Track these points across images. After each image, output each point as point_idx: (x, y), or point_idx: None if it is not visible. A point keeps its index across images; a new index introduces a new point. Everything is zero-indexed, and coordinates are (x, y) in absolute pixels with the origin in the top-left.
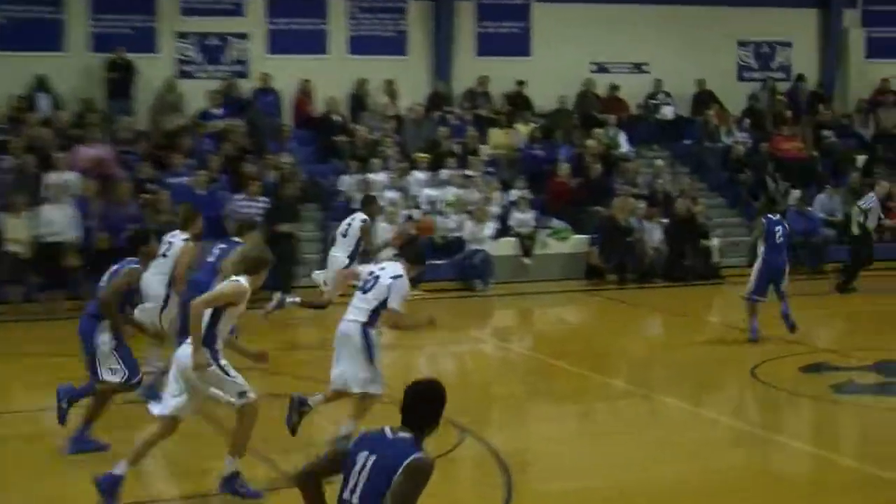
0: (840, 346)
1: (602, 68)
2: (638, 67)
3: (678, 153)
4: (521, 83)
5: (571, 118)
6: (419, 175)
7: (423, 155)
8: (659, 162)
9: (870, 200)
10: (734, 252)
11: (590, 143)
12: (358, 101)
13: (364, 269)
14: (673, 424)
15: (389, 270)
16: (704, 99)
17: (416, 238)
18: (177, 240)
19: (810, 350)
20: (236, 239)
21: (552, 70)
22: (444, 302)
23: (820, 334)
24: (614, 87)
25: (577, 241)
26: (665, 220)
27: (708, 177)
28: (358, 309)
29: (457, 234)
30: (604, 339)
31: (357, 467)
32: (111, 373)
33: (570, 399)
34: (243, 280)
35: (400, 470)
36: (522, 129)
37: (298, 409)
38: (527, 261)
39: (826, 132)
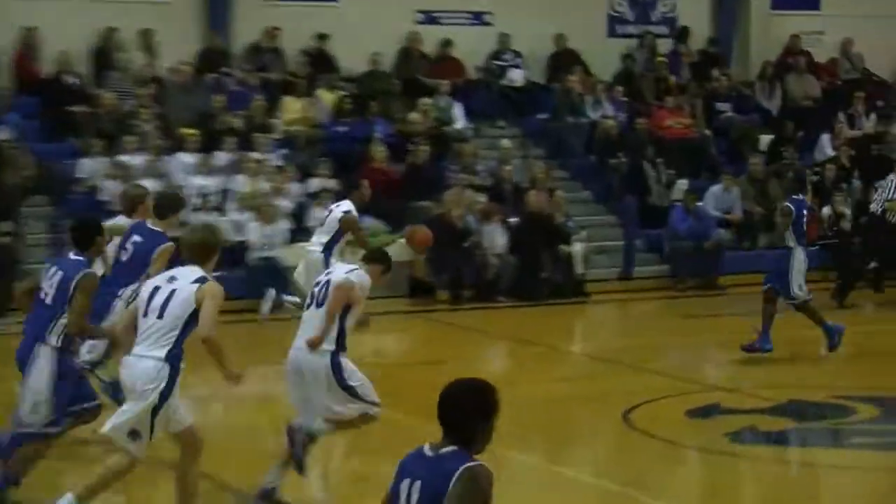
0: (741, 381)
1: (431, 19)
2: (478, 18)
3: (530, 131)
4: (323, 37)
5: (390, 84)
6: (186, 158)
7: (190, 131)
8: (505, 142)
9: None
10: (603, 261)
11: (414, 117)
12: (102, 58)
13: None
14: (522, 487)
15: (339, 267)
16: (564, 60)
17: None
18: None
19: (702, 388)
20: None
21: (365, 20)
22: (222, 328)
23: (716, 366)
24: (447, 44)
25: (397, 247)
26: (513, 220)
27: (569, 162)
28: (316, 326)
29: (240, 238)
30: (430, 374)
31: (402, 501)
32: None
33: (382, 454)
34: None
35: (452, 482)
36: (326, 99)
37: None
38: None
39: (721, 105)
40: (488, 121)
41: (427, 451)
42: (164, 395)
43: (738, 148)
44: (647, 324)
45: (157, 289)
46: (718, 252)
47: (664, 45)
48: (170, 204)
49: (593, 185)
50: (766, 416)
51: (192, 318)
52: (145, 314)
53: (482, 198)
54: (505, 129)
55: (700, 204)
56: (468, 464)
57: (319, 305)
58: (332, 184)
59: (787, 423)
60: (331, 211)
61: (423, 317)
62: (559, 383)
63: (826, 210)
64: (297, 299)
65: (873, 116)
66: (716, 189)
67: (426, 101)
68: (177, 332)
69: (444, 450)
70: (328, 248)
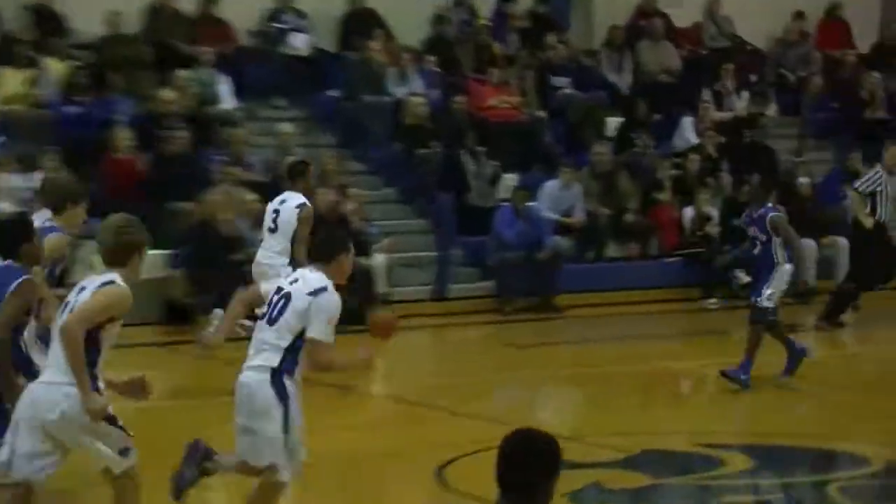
0: (584, 426)
1: None
2: None
3: (318, 112)
4: None
5: (137, 51)
6: None
7: None
8: (286, 127)
9: (874, 178)
10: (412, 277)
11: (168, 94)
12: None
13: (266, 287)
14: None
15: (305, 282)
16: (361, 23)
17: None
18: None
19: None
20: None
21: None
22: None
23: (553, 409)
24: (210, 1)
25: (149, 261)
26: None
27: (368, 152)
28: (264, 349)
29: None
30: (187, 423)
31: None
32: None
33: None
34: (119, 279)
35: None
36: (54, 70)
37: (200, 462)
38: (55, 291)
39: (558, 79)
40: (264, 99)
41: None
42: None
43: (579, 133)
44: (466, 355)
45: (66, 304)
46: (555, 265)
47: (487, 5)
48: None
49: (398, 181)
50: (614, 471)
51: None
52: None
53: (254, 196)
54: (285, 109)
55: (532, 204)
56: None
57: (273, 322)
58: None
59: (640, 478)
60: (277, 212)
61: (179, 349)
62: (355, 433)
63: (688, 211)
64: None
65: (745, 94)
66: (552, 185)
67: (183, 73)
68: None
69: None
70: (293, 258)
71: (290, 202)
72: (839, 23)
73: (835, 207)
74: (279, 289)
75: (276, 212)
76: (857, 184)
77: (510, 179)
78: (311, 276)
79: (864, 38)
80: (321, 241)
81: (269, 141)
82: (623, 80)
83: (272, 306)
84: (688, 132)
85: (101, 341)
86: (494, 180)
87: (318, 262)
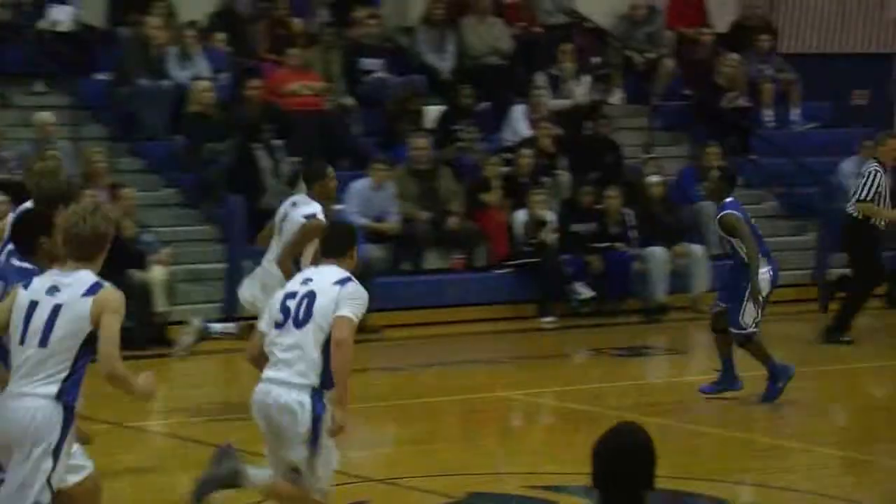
0: (400, 468)
1: None
2: None
3: (83, 99)
4: None
5: None
6: None
7: None
8: (44, 116)
9: (873, 181)
10: (197, 294)
11: None
12: None
13: (267, 318)
14: None
15: (325, 276)
16: None
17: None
18: None
19: (346, 478)
20: None
21: None
22: None
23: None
24: None
25: None
26: None
27: (144, 146)
28: (295, 362)
29: None
30: None
31: None
32: None
33: None
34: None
35: None
36: None
37: (227, 467)
38: None
39: (368, 62)
40: (18, 83)
41: None
42: (59, 447)
43: (393, 125)
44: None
45: (34, 305)
46: (365, 278)
47: None
48: None
49: (180, 181)
50: None
51: (89, 343)
52: (21, 341)
53: (5, 199)
54: (45, 95)
55: (339, 207)
56: None
57: (299, 326)
58: None
59: None
60: (286, 215)
61: None
62: (127, 476)
63: (521, 214)
64: (231, 327)
65: (587, 80)
66: (361, 185)
67: None
68: (69, 363)
69: None
70: (296, 262)
71: (301, 209)
72: None
73: (689, 210)
74: (291, 294)
75: (285, 215)
76: (860, 194)
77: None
78: (329, 270)
79: (722, 16)
80: (332, 236)
81: (24, 133)
82: (444, 63)
83: (293, 311)
84: (519, 123)
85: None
86: (293, 180)
87: (331, 258)
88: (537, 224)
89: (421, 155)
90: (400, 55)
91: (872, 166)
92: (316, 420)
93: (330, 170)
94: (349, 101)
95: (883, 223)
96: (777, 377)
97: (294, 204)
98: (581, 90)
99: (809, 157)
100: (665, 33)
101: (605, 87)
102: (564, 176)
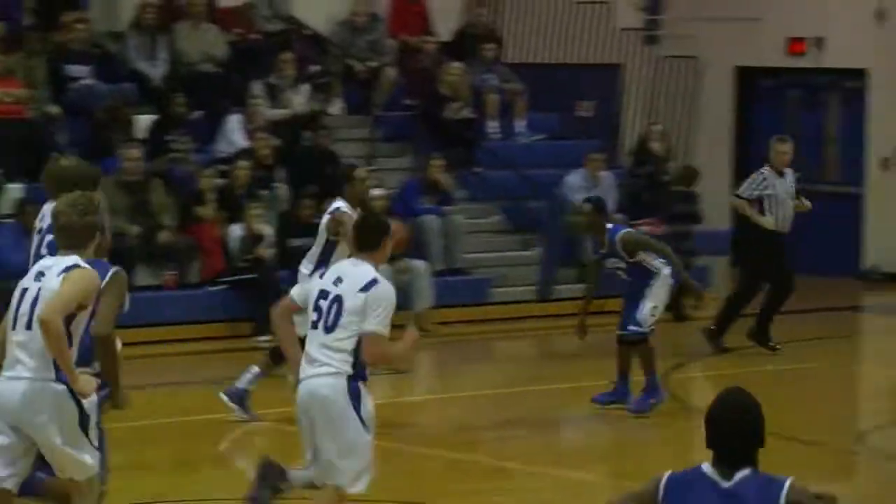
0: (112, 499)
1: None
2: None
3: None
4: None
5: None
6: None
7: None
8: None
9: (758, 182)
10: None
11: None
12: None
13: (302, 293)
14: None
15: (352, 280)
16: None
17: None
18: None
19: None
20: None
21: None
22: None
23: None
24: None
25: None
26: None
27: None
28: (329, 355)
29: None
30: None
31: None
32: None
33: None
34: (81, 262)
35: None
36: None
37: (273, 482)
38: None
39: (75, 68)
40: None
41: (714, 475)
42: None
43: (102, 135)
44: None
45: (24, 291)
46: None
47: None
48: None
49: None
50: None
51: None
52: (13, 326)
53: None
54: None
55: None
56: (787, 481)
57: (330, 329)
58: None
59: None
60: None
61: None
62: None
63: (236, 229)
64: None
65: (306, 88)
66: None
67: None
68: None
69: (741, 474)
70: (318, 268)
71: (330, 209)
72: (416, 5)
73: (411, 224)
74: (324, 292)
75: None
76: (739, 189)
77: (15, 191)
78: (356, 271)
79: (446, 24)
80: (364, 229)
81: None
82: (156, 70)
83: (324, 313)
84: (235, 134)
85: (73, 333)
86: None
87: (364, 252)
88: (254, 239)
89: (131, 166)
90: (109, 61)
91: (763, 169)
92: (355, 397)
93: (359, 171)
94: (54, 109)
95: (767, 221)
96: (652, 393)
97: (335, 207)
98: (300, 99)
99: (535, 170)
100: (387, 41)
101: (324, 96)
102: (282, 189)
